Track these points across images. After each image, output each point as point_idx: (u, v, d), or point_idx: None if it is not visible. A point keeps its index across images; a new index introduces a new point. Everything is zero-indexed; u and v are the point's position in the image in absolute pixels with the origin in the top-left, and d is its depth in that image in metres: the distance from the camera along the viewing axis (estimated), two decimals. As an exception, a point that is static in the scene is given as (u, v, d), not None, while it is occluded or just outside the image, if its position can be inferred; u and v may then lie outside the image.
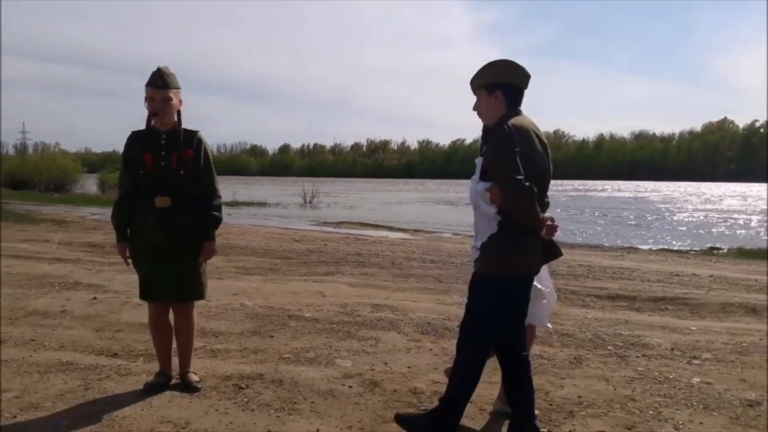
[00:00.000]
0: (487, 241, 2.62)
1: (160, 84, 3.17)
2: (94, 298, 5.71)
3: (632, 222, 22.02)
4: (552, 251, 2.74)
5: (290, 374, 3.65)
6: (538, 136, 2.64)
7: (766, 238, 16.13)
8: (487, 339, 2.73)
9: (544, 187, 2.64)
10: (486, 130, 2.72)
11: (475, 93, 2.75)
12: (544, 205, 2.65)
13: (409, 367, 3.86)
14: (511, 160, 2.45)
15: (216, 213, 3.36)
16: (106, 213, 18.03)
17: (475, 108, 2.76)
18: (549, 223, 2.63)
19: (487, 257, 2.63)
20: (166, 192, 3.24)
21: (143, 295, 3.39)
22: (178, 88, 3.27)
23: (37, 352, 4.02)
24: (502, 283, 2.62)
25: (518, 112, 2.68)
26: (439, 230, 17.25)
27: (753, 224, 21.20)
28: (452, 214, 23.85)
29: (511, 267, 2.60)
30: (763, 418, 3.14)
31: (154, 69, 3.21)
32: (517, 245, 2.57)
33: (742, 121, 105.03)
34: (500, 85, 2.65)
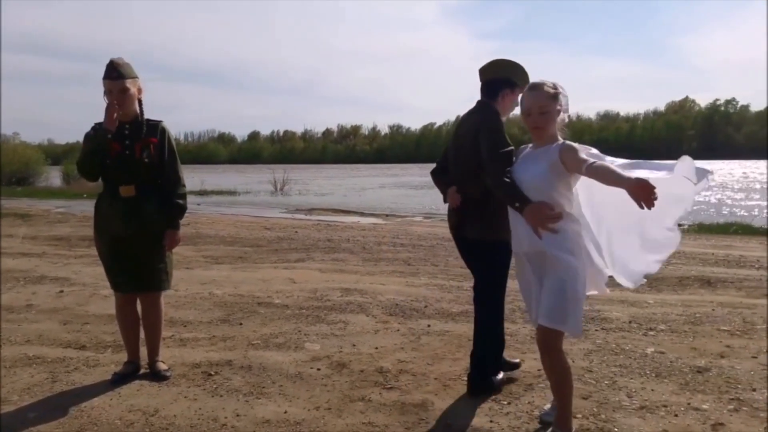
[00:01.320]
0: None
1: (115, 75, 3.17)
2: (61, 292, 5.66)
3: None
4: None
5: (259, 359, 3.72)
6: (458, 125, 3.25)
7: (766, 215, 16.50)
8: None
9: (453, 165, 3.20)
10: None
11: None
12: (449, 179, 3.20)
13: (376, 348, 3.96)
14: None
15: (180, 201, 3.39)
16: (71, 206, 17.68)
17: None
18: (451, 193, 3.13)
19: None
20: (130, 181, 3.26)
21: (113, 287, 3.42)
22: (135, 77, 3.27)
23: (3, 347, 4.00)
24: None
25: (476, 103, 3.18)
26: (409, 214, 17.39)
27: (714, 200, 21.85)
28: (423, 199, 24.03)
29: None
30: (710, 384, 3.32)
31: (108, 61, 3.20)
32: None
33: (703, 100, 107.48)
34: None
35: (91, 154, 3.21)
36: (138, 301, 3.48)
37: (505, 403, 3.08)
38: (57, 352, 3.88)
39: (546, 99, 2.55)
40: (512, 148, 2.85)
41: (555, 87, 2.58)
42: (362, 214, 17.21)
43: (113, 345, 4.00)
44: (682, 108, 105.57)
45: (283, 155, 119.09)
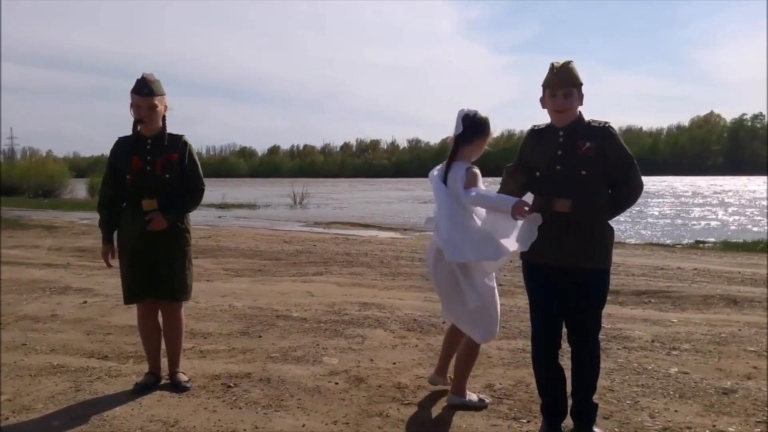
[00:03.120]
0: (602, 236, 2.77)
1: (145, 92, 3.25)
2: (85, 302, 5.75)
3: (621, 217, 22.21)
4: None
5: (278, 372, 3.73)
6: None
7: (761, 230, 16.29)
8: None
9: None
10: (560, 127, 2.77)
11: (565, 89, 2.71)
12: None
13: (394, 363, 3.95)
14: None
15: (190, 204, 3.43)
16: (95, 218, 17.92)
17: (564, 106, 2.72)
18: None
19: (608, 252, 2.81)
20: (152, 195, 3.32)
21: (127, 300, 3.43)
22: (163, 95, 3.35)
23: (29, 356, 4.07)
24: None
25: None
26: (428, 229, 17.32)
27: (739, 217, 21.46)
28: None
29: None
30: (736, 406, 3.25)
31: (139, 76, 3.28)
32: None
33: (728, 115, 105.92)
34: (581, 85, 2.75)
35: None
36: (159, 313, 3.53)
37: (525, 421, 3.05)
38: (80, 362, 3.94)
39: None
40: (509, 164, 3.05)
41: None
42: (380, 228, 17.23)
43: (135, 356, 4.05)
44: (707, 123, 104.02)
45: (302, 169, 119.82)
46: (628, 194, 2.82)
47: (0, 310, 5.40)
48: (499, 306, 3.19)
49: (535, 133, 2.88)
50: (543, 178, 2.81)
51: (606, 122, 2.77)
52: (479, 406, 3.20)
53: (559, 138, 2.76)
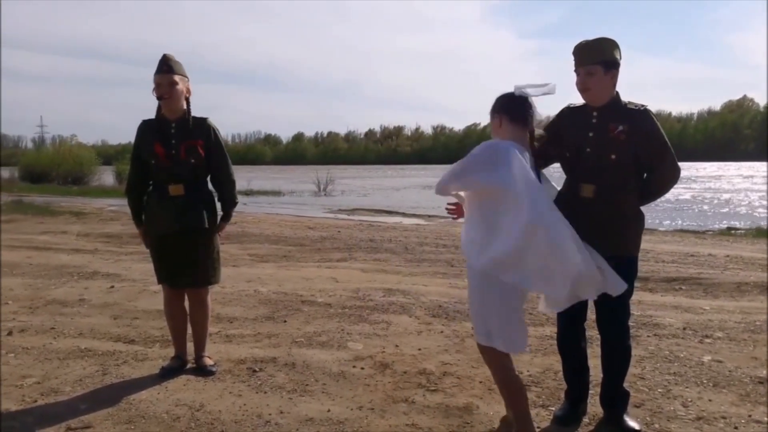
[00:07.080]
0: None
1: (165, 69, 3.23)
2: (112, 287, 5.83)
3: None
4: None
5: (303, 357, 3.72)
6: None
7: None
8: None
9: None
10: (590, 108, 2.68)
11: (584, 67, 2.60)
12: None
13: (419, 349, 3.90)
14: None
15: (233, 198, 3.51)
16: (123, 204, 18.20)
17: (584, 84, 2.62)
18: None
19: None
20: (178, 180, 3.31)
21: (160, 280, 3.48)
22: (185, 76, 3.32)
23: (57, 340, 4.13)
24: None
25: None
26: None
27: (772, 203, 20.86)
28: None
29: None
30: (773, 395, 3.14)
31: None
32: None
33: (762, 99, 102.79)
34: (616, 64, 2.60)
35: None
36: (186, 297, 3.54)
37: (553, 408, 2.98)
38: (107, 346, 3.98)
39: None
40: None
41: None
42: (405, 215, 17.15)
43: (161, 340, 4.08)
44: (739, 107, 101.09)
45: (326, 156, 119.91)
46: (660, 180, 2.72)
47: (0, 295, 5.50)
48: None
49: (570, 111, 2.78)
50: (572, 160, 2.73)
51: (643, 105, 2.66)
52: None
53: (593, 119, 2.67)
